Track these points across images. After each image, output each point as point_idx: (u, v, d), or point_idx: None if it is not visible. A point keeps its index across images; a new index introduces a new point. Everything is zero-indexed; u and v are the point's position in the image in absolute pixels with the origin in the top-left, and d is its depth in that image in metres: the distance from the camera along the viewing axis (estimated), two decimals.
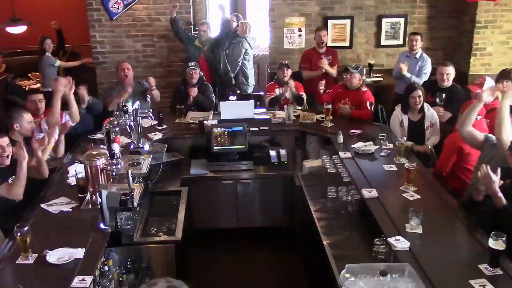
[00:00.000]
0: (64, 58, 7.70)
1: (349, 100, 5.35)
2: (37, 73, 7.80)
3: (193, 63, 5.75)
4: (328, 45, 7.06)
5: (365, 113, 5.25)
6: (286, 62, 5.83)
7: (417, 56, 6.15)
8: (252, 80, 7.46)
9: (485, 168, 3.05)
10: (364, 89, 5.38)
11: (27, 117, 4.24)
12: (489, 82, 4.83)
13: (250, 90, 7.39)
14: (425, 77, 6.02)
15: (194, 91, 5.60)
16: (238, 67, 7.27)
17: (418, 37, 6.13)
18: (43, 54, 7.14)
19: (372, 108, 5.31)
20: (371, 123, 5.27)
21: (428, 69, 6.07)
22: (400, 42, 7.27)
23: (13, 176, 3.60)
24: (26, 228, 2.86)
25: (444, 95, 5.07)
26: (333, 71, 6.27)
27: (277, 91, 5.71)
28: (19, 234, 2.84)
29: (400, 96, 5.82)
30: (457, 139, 4.20)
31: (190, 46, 6.79)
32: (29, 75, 7.87)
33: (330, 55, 6.48)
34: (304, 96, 5.76)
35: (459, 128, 3.88)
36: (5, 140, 3.63)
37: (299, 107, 5.69)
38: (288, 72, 5.73)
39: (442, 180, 4.09)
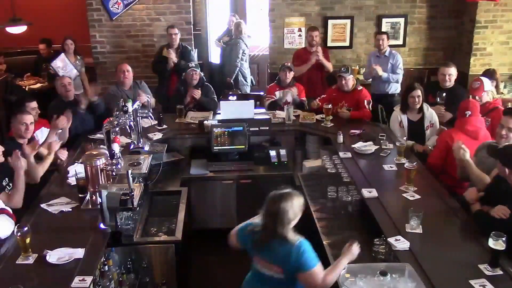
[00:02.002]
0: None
1: (346, 102, 5.34)
2: (36, 76, 7.75)
3: (193, 64, 5.64)
4: (328, 45, 7.10)
5: (364, 113, 5.25)
6: (289, 64, 5.78)
7: (387, 54, 6.21)
8: (249, 80, 7.49)
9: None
10: (360, 88, 5.38)
11: (20, 118, 4.07)
12: (487, 84, 4.82)
13: (248, 89, 7.42)
14: (401, 72, 6.15)
15: (197, 93, 5.54)
16: (238, 69, 7.28)
17: (384, 36, 6.20)
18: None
19: (370, 106, 5.31)
20: (371, 122, 5.27)
21: (401, 63, 6.18)
22: (400, 42, 7.26)
23: (6, 179, 3.59)
24: (26, 228, 2.86)
25: (444, 94, 5.07)
26: (329, 64, 6.26)
27: (277, 94, 5.70)
28: (19, 234, 2.84)
29: (378, 96, 6.00)
30: (446, 136, 4.21)
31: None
32: (24, 78, 7.80)
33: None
34: (305, 101, 5.72)
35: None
36: None
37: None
38: (290, 75, 5.67)
39: (434, 176, 4.08)
